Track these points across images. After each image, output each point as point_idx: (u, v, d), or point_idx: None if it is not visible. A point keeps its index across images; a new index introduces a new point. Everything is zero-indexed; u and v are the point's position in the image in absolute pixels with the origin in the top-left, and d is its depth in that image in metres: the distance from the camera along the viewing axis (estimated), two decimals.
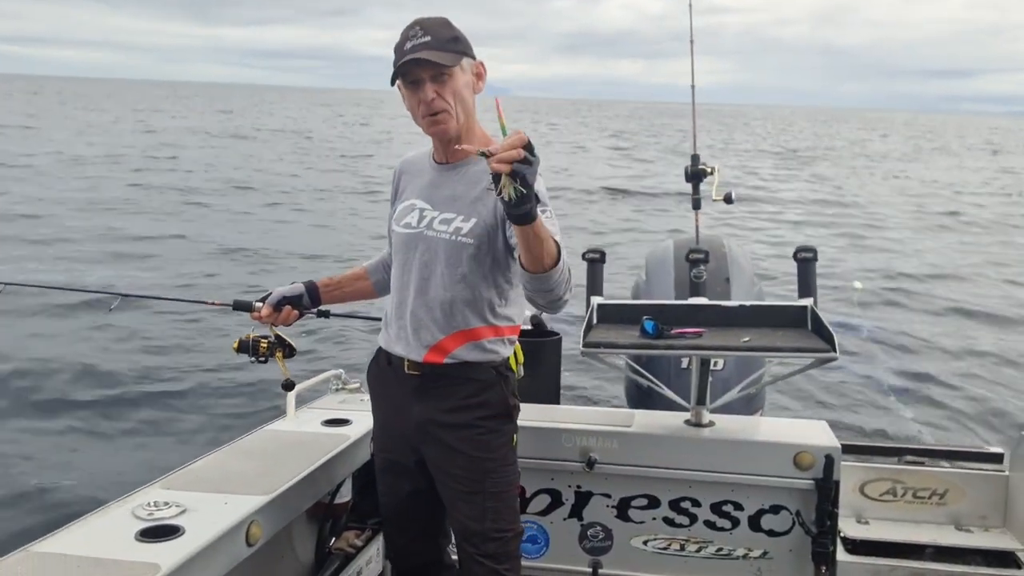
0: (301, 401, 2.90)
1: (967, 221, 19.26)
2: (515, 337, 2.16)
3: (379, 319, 2.28)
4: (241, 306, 2.32)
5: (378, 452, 2.30)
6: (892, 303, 10.22)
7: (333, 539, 2.68)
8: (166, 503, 1.96)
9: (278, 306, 2.26)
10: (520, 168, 1.56)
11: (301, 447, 2.45)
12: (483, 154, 1.63)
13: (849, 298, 8.76)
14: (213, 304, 2.48)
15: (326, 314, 2.39)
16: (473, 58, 2.06)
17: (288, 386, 2.41)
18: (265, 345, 2.29)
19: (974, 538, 2.68)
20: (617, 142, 44.74)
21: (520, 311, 2.16)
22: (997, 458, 2.87)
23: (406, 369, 2.09)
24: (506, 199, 1.59)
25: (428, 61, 1.95)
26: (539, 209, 1.81)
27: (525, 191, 1.59)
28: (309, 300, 2.31)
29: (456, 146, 1.91)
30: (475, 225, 2.01)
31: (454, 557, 2.37)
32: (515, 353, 2.17)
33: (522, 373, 2.20)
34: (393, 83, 2.05)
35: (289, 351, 2.32)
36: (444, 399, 2.07)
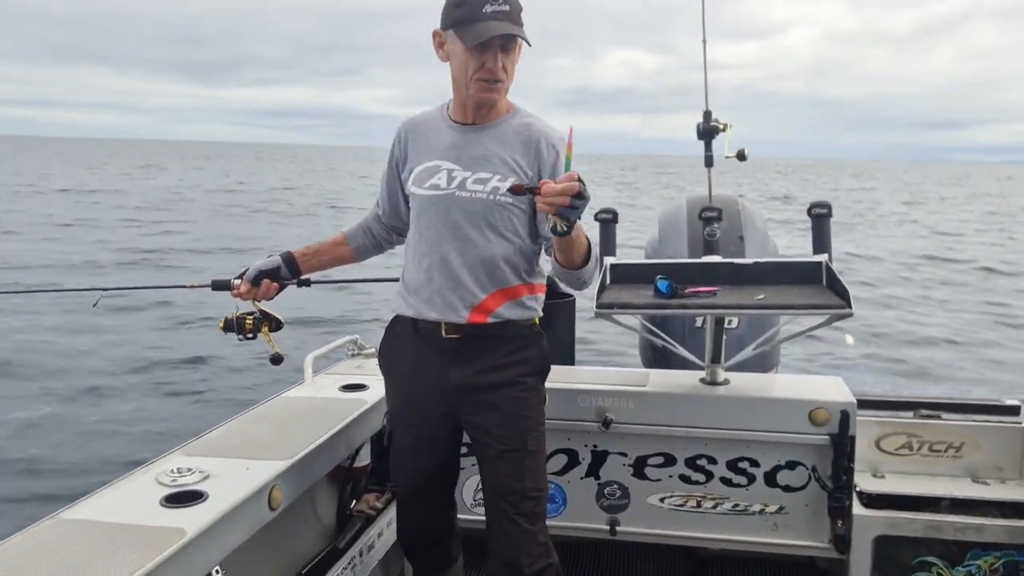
0: (318, 367, 2.92)
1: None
2: (544, 295, 2.19)
3: (358, 281, 2.27)
4: (220, 285, 2.28)
5: (402, 429, 2.23)
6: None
7: (354, 502, 2.72)
8: (189, 469, 1.99)
9: (256, 281, 2.23)
10: (565, 212, 1.71)
11: (319, 413, 2.48)
12: (529, 190, 1.74)
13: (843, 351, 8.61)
14: (192, 287, 2.43)
15: (307, 283, 2.34)
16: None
17: (276, 360, 2.31)
18: (250, 322, 2.26)
19: (990, 490, 2.69)
20: (618, 191, 43.72)
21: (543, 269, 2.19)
22: (1013, 410, 2.86)
23: (444, 333, 2.07)
24: (551, 230, 1.77)
25: (512, 35, 1.95)
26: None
27: (567, 228, 1.75)
28: (287, 271, 2.28)
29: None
30: (514, 183, 2.00)
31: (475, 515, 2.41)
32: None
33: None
34: (446, 28, 2.01)
35: (276, 324, 2.29)
36: (484, 358, 2.07)
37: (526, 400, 2.10)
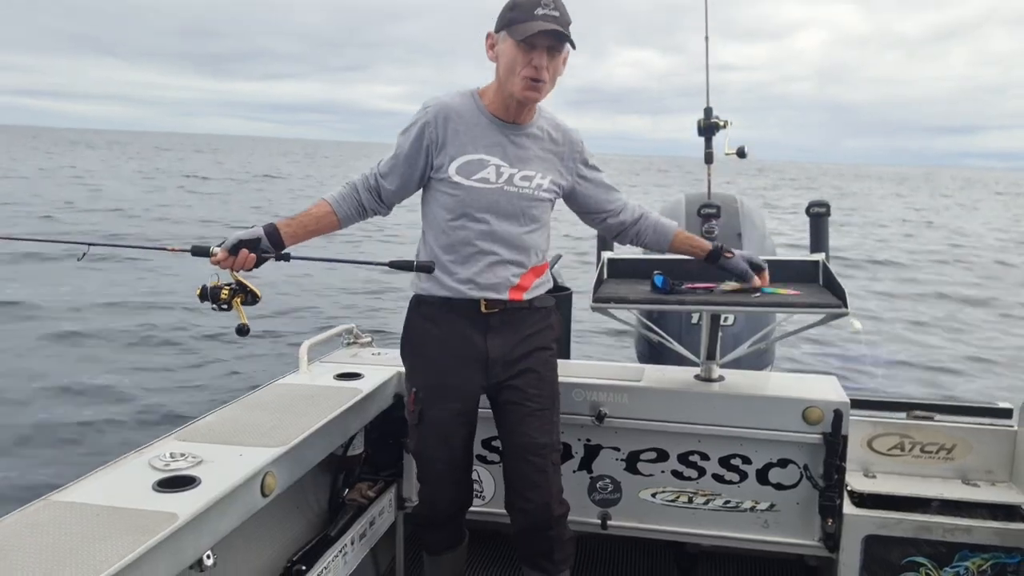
0: (313, 355, 2.92)
1: None
2: None
3: (342, 261, 2.37)
4: (199, 251, 2.22)
5: (439, 405, 2.30)
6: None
7: (346, 490, 2.73)
8: (182, 454, 1.99)
9: (234, 250, 2.18)
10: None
11: (314, 400, 2.48)
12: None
13: (852, 338, 8.48)
14: (173, 250, 2.35)
15: (286, 257, 2.26)
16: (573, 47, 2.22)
17: (241, 331, 2.22)
18: (226, 292, 2.20)
19: (980, 492, 2.70)
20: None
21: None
22: (1006, 413, 2.87)
23: (483, 309, 2.25)
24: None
25: (564, 36, 2.12)
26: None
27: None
28: (269, 243, 2.22)
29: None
30: (551, 182, 2.31)
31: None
32: None
33: None
34: (499, 31, 2.17)
35: (251, 298, 2.23)
36: (518, 330, 2.30)
37: (553, 364, 2.38)
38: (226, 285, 2.21)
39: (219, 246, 2.19)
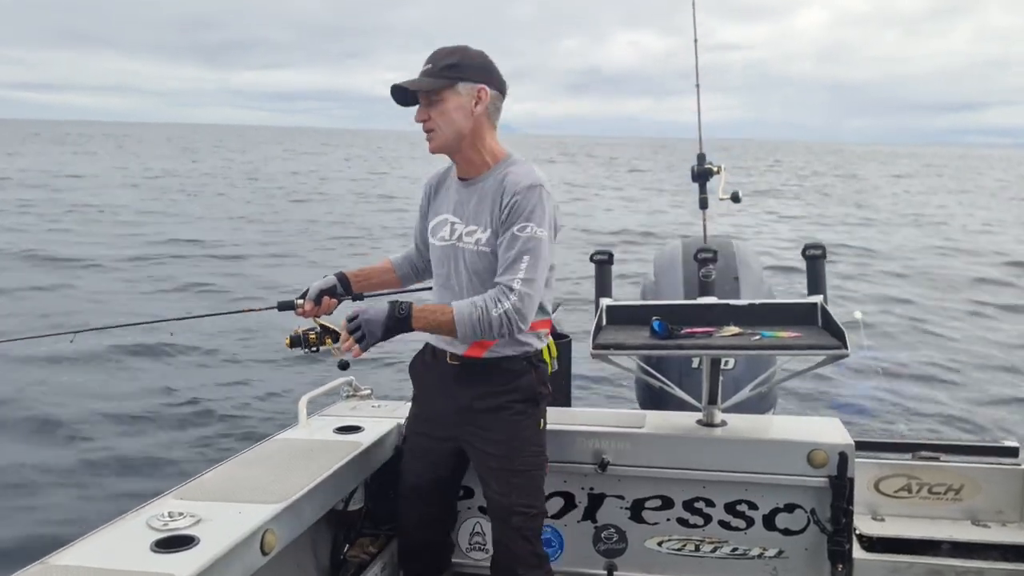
0: (312, 409, 2.90)
1: None
2: (547, 330, 2.40)
3: (408, 291, 2.60)
4: (285, 306, 2.51)
5: (412, 435, 2.53)
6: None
7: (347, 546, 2.69)
8: (180, 513, 1.96)
9: (317, 299, 2.46)
10: (359, 338, 2.17)
11: (314, 455, 2.46)
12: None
13: (853, 328, 8.46)
14: (259, 310, 2.66)
15: (360, 297, 2.56)
16: (474, 83, 2.21)
17: (344, 366, 2.49)
18: (314, 336, 2.43)
19: (991, 533, 2.66)
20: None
21: (547, 306, 2.34)
22: (1013, 452, 2.85)
23: (448, 360, 2.35)
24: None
25: (401, 89, 2.22)
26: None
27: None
28: (342, 288, 2.52)
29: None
30: (490, 235, 2.25)
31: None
32: (548, 347, 2.40)
33: (555, 367, 2.43)
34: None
35: (336, 336, 2.46)
36: (480, 385, 2.31)
37: (516, 424, 2.31)
38: (310, 330, 2.44)
39: (301, 298, 2.47)
